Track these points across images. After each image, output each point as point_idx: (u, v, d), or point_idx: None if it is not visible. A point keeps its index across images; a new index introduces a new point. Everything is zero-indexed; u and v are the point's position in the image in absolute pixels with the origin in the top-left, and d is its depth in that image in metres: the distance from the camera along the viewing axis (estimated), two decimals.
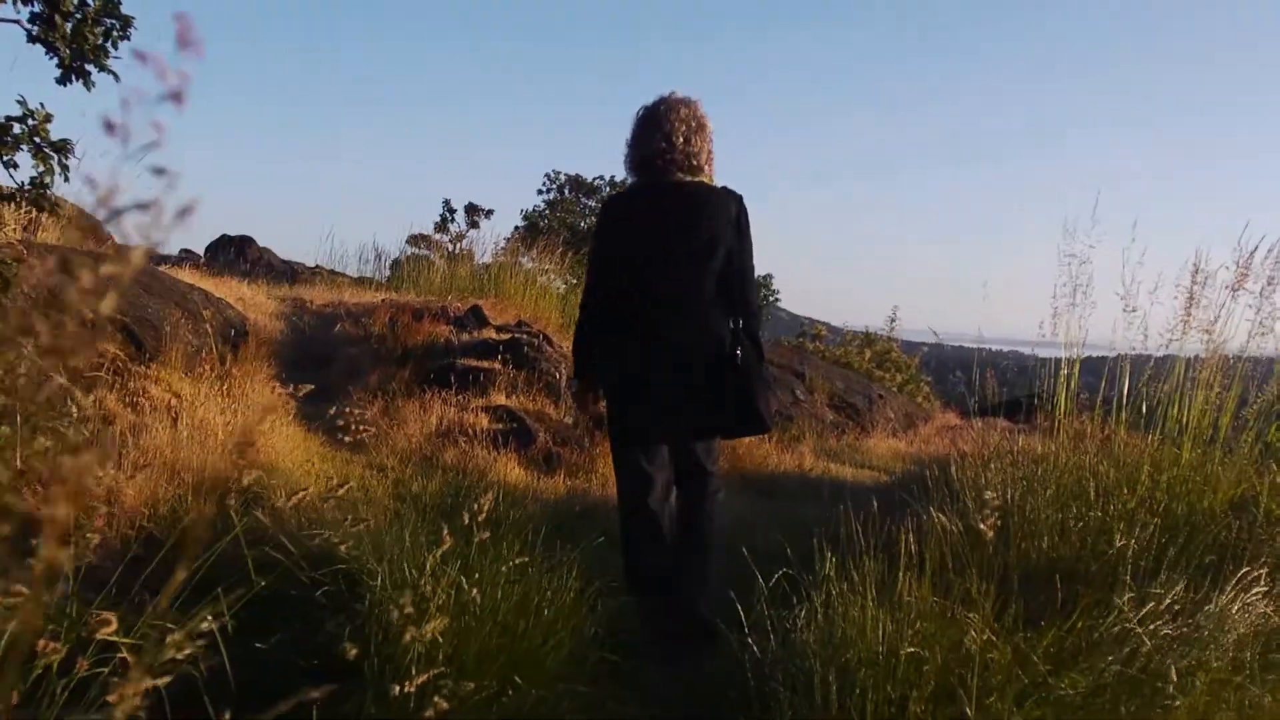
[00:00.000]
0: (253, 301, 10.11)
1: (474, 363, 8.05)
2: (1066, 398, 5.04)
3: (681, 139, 3.63)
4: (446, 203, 22.05)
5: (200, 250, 21.81)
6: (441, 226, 21.79)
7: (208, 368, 7.16)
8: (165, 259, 20.18)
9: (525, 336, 8.67)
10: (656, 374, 3.61)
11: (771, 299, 22.64)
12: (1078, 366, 5.05)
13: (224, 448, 5.61)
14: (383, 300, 10.42)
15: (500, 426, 7.15)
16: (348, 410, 7.10)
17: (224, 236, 22.27)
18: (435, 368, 8.00)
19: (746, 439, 8.17)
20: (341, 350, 8.57)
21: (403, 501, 5.63)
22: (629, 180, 3.87)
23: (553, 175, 23.01)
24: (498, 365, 8.01)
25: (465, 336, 8.72)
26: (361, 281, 17.28)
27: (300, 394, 7.37)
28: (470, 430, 6.88)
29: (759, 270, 22.97)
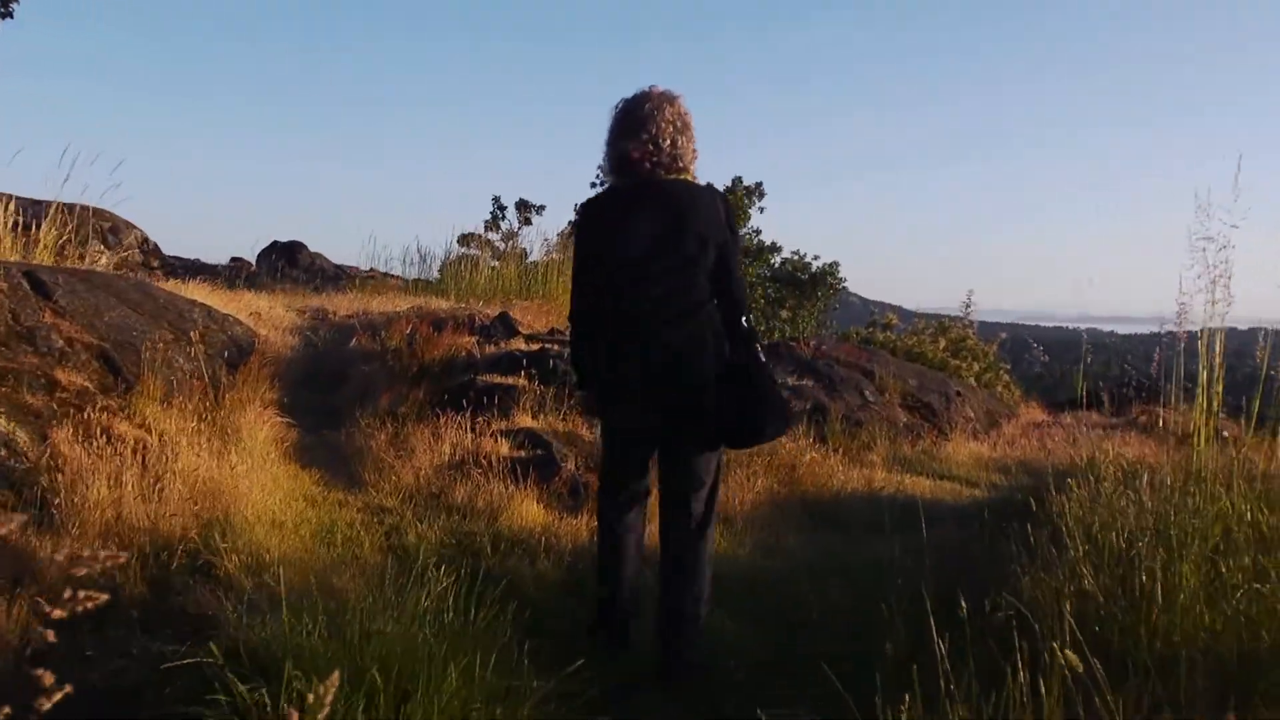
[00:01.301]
0: (269, 315, 9.35)
1: (497, 379, 7.17)
2: (1208, 412, 3.99)
3: (669, 141, 3.50)
4: (496, 200, 21.32)
5: (252, 258, 21.39)
6: (492, 224, 21.06)
7: (195, 397, 6.36)
8: (208, 268, 19.75)
9: (555, 348, 7.77)
10: (649, 381, 3.46)
11: (841, 286, 21.43)
12: (1220, 368, 4.00)
13: (181, 501, 4.78)
14: (408, 309, 9.60)
15: (522, 454, 6.26)
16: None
17: (274, 243, 21.80)
18: (452, 386, 7.13)
19: (809, 456, 7.20)
20: (355, 367, 7.75)
21: (395, 556, 4.76)
22: (606, 179, 3.72)
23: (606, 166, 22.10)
24: (523, 381, 7.12)
25: (490, 348, 7.84)
26: (412, 285, 16.58)
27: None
28: (487, 460, 6.00)
29: (826, 258, 21.87)
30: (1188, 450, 4.38)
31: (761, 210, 20.58)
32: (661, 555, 3.62)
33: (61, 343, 6.13)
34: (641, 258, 3.43)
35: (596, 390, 3.71)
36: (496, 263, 17.49)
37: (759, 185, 20.37)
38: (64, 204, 19.41)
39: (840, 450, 9.04)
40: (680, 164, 3.54)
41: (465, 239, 19.18)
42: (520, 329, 8.43)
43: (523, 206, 21.22)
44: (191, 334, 6.84)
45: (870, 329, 20.85)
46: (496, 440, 6.35)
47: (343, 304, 10.66)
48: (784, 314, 20.22)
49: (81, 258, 17.37)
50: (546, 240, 18.08)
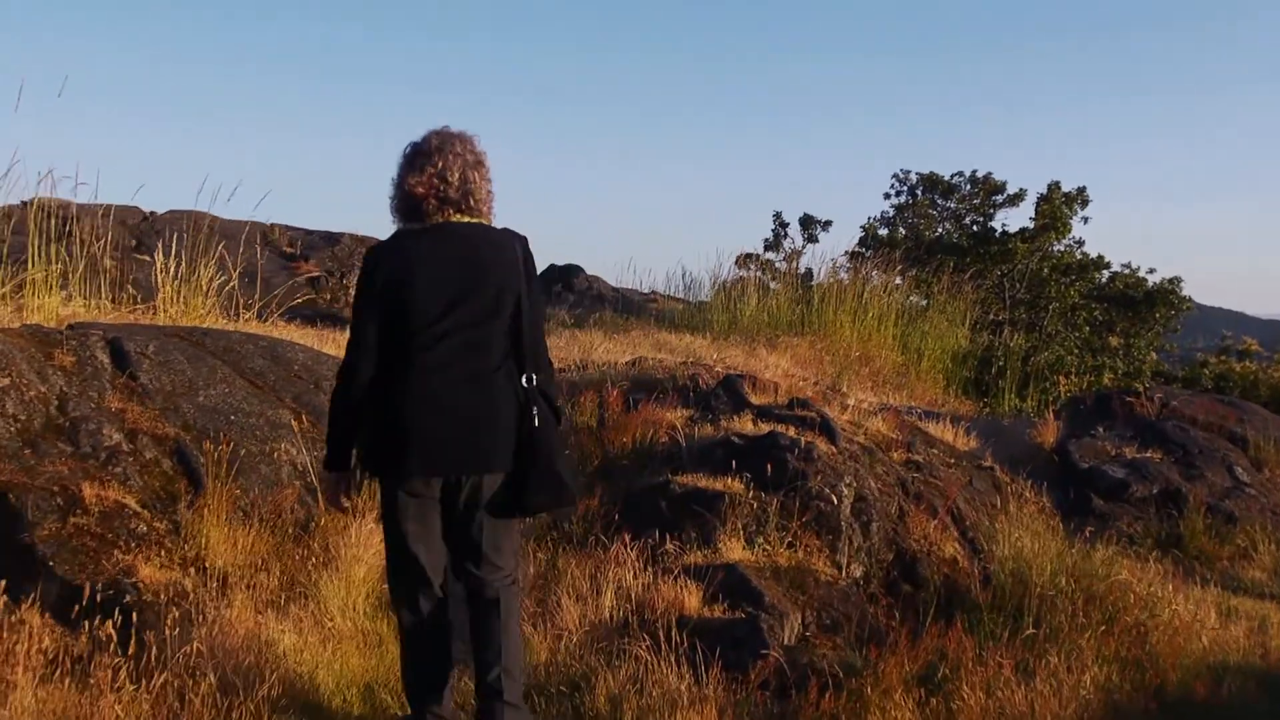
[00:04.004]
0: None
1: (702, 482, 5.16)
2: None
3: (457, 177, 3.22)
4: (778, 216, 19.33)
5: None
6: (774, 244, 19.09)
7: (285, 509, 4.75)
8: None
9: (792, 431, 5.65)
10: (439, 443, 3.15)
11: (1186, 307, 17.75)
12: None
13: None
14: (626, 362, 7.75)
15: (719, 612, 4.25)
16: None
17: (551, 266, 20.87)
18: (638, 491, 5.19)
19: (1167, 613, 4.73)
20: None
21: None
22: (398, 226, 3.34)
23: (902, 175, 19.57)
24: (737, 486, 5.07)
25: (705, 429, 5.81)
26: (676, 316, 14.93)
27: None
28: (662, 621, 4.02)
29: (1164, 271, 18.25)
30: None
31: (1085, 220, 17.36)
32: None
33: (117, 438, 4.66)
34: (437, 311, 3.16)
35: (376, 461, 3.26)
36: (776, 284, 15.54)
37: (1081, 191, 17.22)
38: (328, 233, 18.95)
39: (1205, 563, 6.45)
40: (471, 202, 3.27)
41: (743, 260, 17.30)
42: (751, 398, 6.35)
43: (807, 223, 19.06)
44: (295, 420, 5.24)
45: (1221, 358, 17.22)
46: (683, 585, 4.35)
47: (559, 350, 8.94)
48: (1113, 341, 16.98)
49: (344, 287, 16.76)
50: (833, 261, 15.87)
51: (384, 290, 3.17)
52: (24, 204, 17.78)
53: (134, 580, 3.92)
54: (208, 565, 4.23)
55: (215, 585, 4.06)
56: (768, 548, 4.77)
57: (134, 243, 13.22)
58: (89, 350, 5.12)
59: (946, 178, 19.06)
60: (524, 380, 3.22)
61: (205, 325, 6.80)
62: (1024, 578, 4.89)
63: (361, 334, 3.20)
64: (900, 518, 5.50)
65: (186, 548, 4.28)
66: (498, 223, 3.41)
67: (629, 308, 17.52)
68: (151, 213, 15.81)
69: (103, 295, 7.54)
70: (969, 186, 18.73)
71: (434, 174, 3.21)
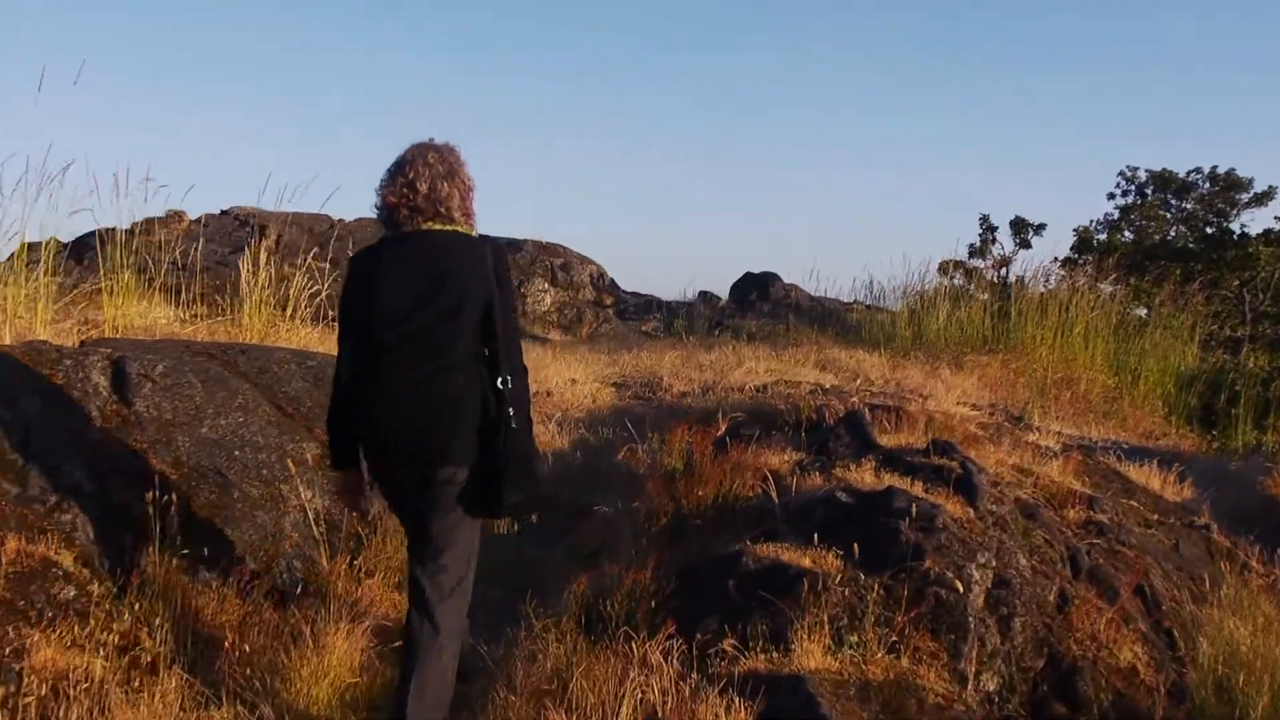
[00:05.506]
0: (567, 394, 6.88)
1: (785, 554, 4.03)
2: None
3: (426, 186, 3.33)
4: (984, 219, 17.65)
5: (724, 292, 19.68)
6: (980, 249, 17.45)
7: (278, 569, 3.93)
8: (661, 305, 18.09)
9: (918, 487, 4.44)
10: (405, 443, 3.27)
11: None
12: None
13: None
14: (759, 385, 6.66)
15: None
16: None
17: (747, 275, 19.91)
18: (704, 563, 4.11)
19: None
20: (604, 501, 4.98)
21: None
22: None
23: (1128, 173, 17.59)
24: (830, 562, 3.92)
25: (812, 478, 4.67)
26: (862, 329, 13.70)
27: None
28: None
29: None
30: None
31: None
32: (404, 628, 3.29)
33: (79, 477, 3.98)
34: (401, 312, 3.26)
35: (371, 460, 3.39)
36: (982, 294, 14.02)
37: None
38: (510, 240, 18.30)
39: None
40: (442, 210, 3.33)
41: (946, 267, 15.83)
42: (880, 439, 5.15)
43: (1018, 226, 17.33)
44: (309, 454, 4.42)
45: None
46: (729, 704, 3.26)
47: (689, 370, 7.91)
48: None
49: (519, 295, 16.15)
50: (1043, 268, 14.18)
51: (357, 294, 3.32)
52: (222, 213, 17.78)
53: (22, 665, 3.16)
54: (143, 642, 3.45)
55: (138, 671, 3.26)
56: (860, 652, 3.61)
57: (315, 250, 13.02)
58: (83, 372, 4.46)
59: (1181, 175, 16.95)
60: (499, 383, 3.23)
61: (270, 339, 6.17)
62: (1233, 698, 3.61)
63: (342, 335, 3.38)
64: (1061, 608, 4.21)
65: (124, 619, 3.51)
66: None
67: (824, 318, 16.38)
68: (340, 220, 15.66)
69: (186, 304, 7.08)
70: (1207, 184, 16.58)
71: (404, 183, 3.30)
